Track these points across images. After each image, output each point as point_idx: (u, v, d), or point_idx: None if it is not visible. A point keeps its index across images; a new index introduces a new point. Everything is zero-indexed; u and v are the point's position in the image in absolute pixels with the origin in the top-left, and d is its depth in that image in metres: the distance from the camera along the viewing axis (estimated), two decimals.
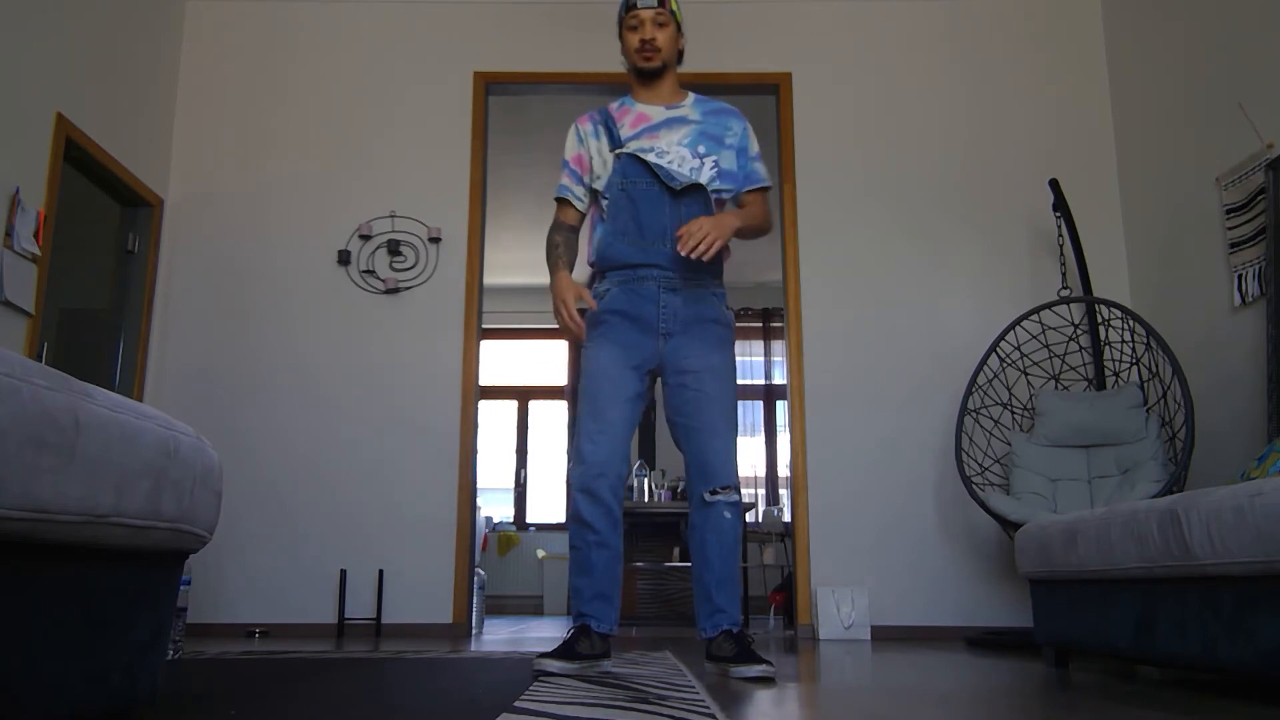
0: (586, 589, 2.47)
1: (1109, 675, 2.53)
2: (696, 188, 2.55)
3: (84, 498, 1.18)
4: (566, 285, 2.51)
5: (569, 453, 8.32)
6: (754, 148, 2.72)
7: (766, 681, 2.27)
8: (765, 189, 2.70)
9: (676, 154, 2.61)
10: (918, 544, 4.22)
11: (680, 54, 2.73)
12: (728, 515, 2.49)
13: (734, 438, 2.55)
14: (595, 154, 2.67)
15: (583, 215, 2.73)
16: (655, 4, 2.62)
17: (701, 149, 2.62)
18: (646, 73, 2.67)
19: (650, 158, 2.58)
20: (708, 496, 2.50)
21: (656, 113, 2.67)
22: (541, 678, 2.24)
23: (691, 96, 2.74)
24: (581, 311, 2.57)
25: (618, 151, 2.61)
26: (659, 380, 2.65)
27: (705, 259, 2.39)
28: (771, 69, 4.67)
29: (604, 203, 2.62)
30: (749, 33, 4.73)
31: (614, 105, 2.73)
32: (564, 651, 2.39)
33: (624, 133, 2.65)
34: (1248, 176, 3.58)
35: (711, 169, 2.62)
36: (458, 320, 4.44)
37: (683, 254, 2.38)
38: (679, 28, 2.69)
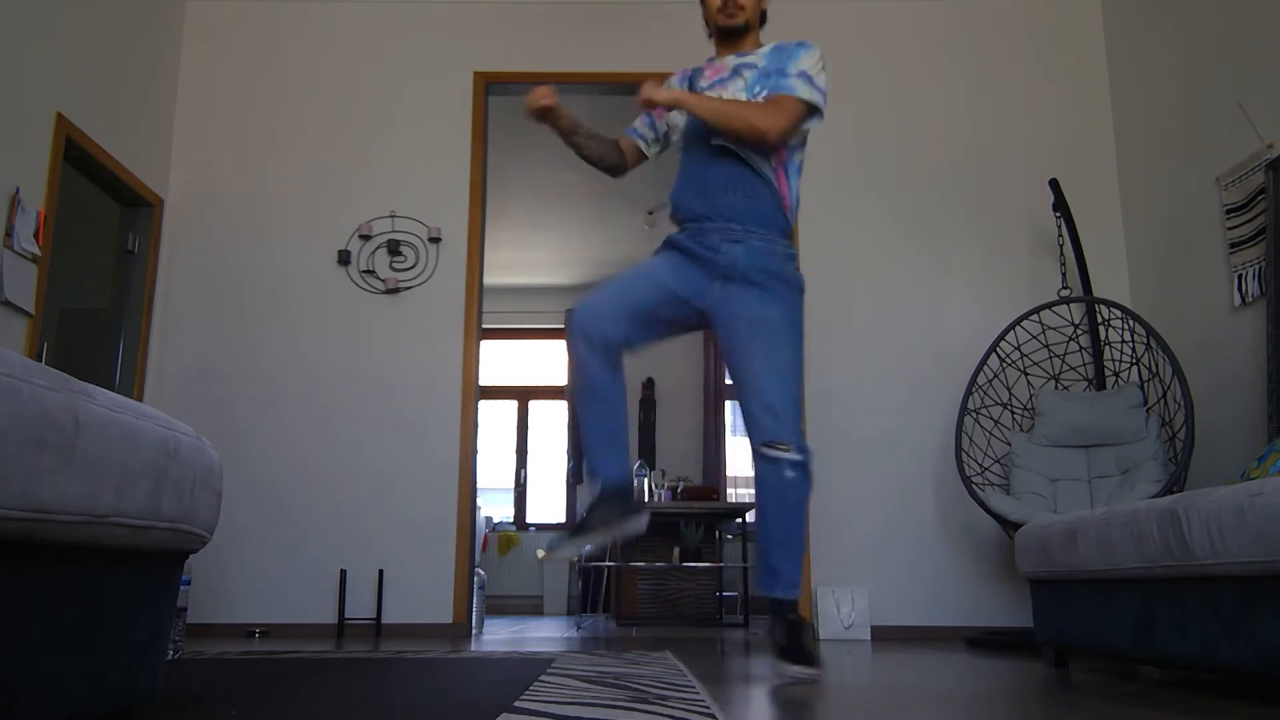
0: (595, 443, 2.45)
1: (1109, 675, 2.53)
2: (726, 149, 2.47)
3: (84, 498, 1.18)
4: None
5: (569, 452, 8.33)
6: (799, 65, 2.49)
7: (809, 684, 2.24)
8: (793, 97, 2.45)
9: None
10: (918, 544, 4.22)
11: (763, 14, 2.66)
12: (789, 474, 2.37)
13: (786, 391, 2.40)
14: None
15: (635, 150, 2.70)
16: None
17: (758, 89, 2.51)
18: (728, 30, 2.60)
19: None
20: (764, 450, 2.39)
21: (730, 63, 2.61)
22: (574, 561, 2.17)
23: (771, 45, 2.61)
24: (543, 112, 2.47)
25: None
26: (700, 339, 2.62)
27: (640, 102, 2.40)
28: None
29: (678, 156, 2.62)
30: None
31: (706, 61, 2.68)
32: (580, 527, 2.43)
33: (701, 84, 2.62)
34: (1248, 176, 3.58)
35: None
36: (458, 320, 4.43)
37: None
38: None
